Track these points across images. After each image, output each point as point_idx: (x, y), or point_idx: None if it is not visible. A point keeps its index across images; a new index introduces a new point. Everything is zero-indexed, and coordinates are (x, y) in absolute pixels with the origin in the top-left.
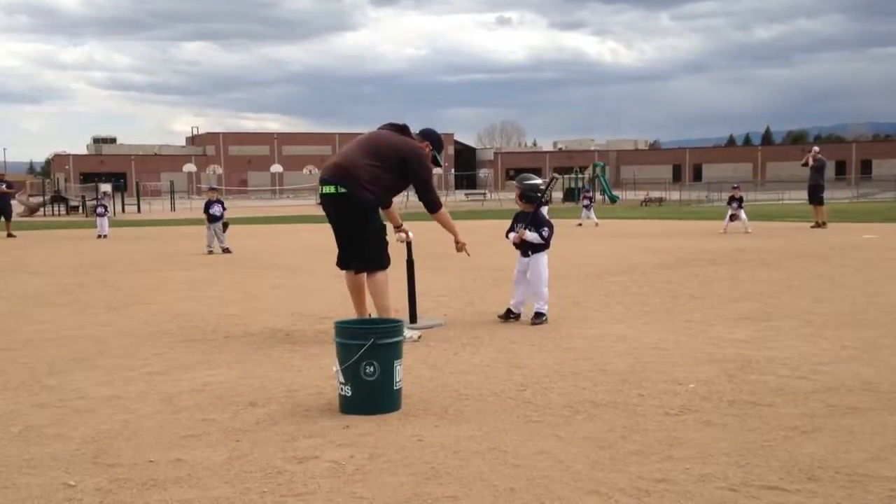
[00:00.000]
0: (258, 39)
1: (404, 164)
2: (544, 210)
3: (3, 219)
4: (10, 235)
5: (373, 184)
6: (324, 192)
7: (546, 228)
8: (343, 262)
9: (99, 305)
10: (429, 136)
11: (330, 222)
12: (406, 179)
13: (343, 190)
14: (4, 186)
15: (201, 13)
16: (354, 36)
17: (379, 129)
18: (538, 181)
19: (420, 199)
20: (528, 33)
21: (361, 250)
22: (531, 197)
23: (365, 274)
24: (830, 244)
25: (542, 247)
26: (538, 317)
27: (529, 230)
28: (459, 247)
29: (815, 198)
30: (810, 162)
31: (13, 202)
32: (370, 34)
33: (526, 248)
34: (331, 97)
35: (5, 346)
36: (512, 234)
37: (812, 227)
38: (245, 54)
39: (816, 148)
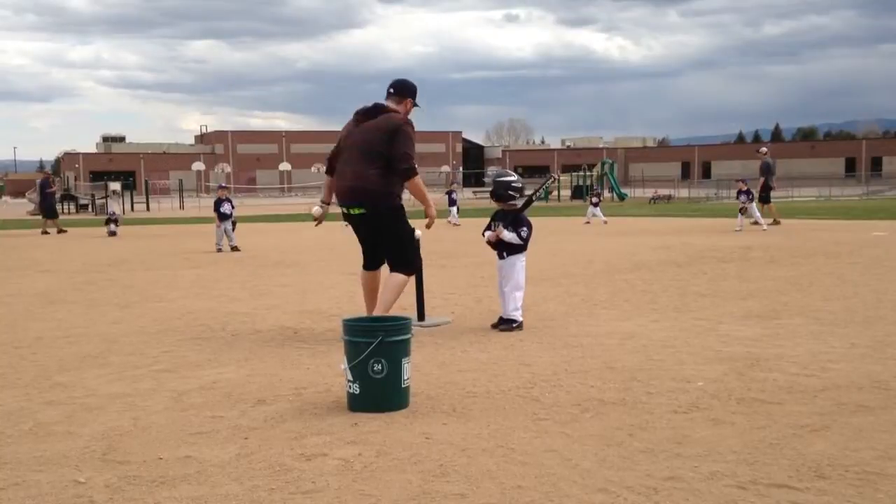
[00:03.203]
0: (265, 37)
1: (393, 138)
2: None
3: (45, 217)
4: (50, 232)
5: (389, 186)
6: (352, 213)
7: (525, 228)
8: (370, 266)
9: (108, 303)
10: (405, 90)
11: (357, 233)
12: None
13: (369, 209)
14: (54, 188)
15: (209, 11)
16: (362, 33)
17: (355, 122)
18: (512, 177)
19: (397, 168)
20: (536, 30)
21: (393, 252)
22: (501, 195)
23: (379, 274)
24: (840, 242)
25: (520, 248)
26: (508, 323)
27: (508, 230)
28: (430, 223)
29: (760, 197)
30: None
31: (24, 200)
32: (378, 31)
33: (501, 248)
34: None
35: (16, 343)
36: (488, 233)
37: (769, 223)
38: (252, 52)
39: (764, 149)
